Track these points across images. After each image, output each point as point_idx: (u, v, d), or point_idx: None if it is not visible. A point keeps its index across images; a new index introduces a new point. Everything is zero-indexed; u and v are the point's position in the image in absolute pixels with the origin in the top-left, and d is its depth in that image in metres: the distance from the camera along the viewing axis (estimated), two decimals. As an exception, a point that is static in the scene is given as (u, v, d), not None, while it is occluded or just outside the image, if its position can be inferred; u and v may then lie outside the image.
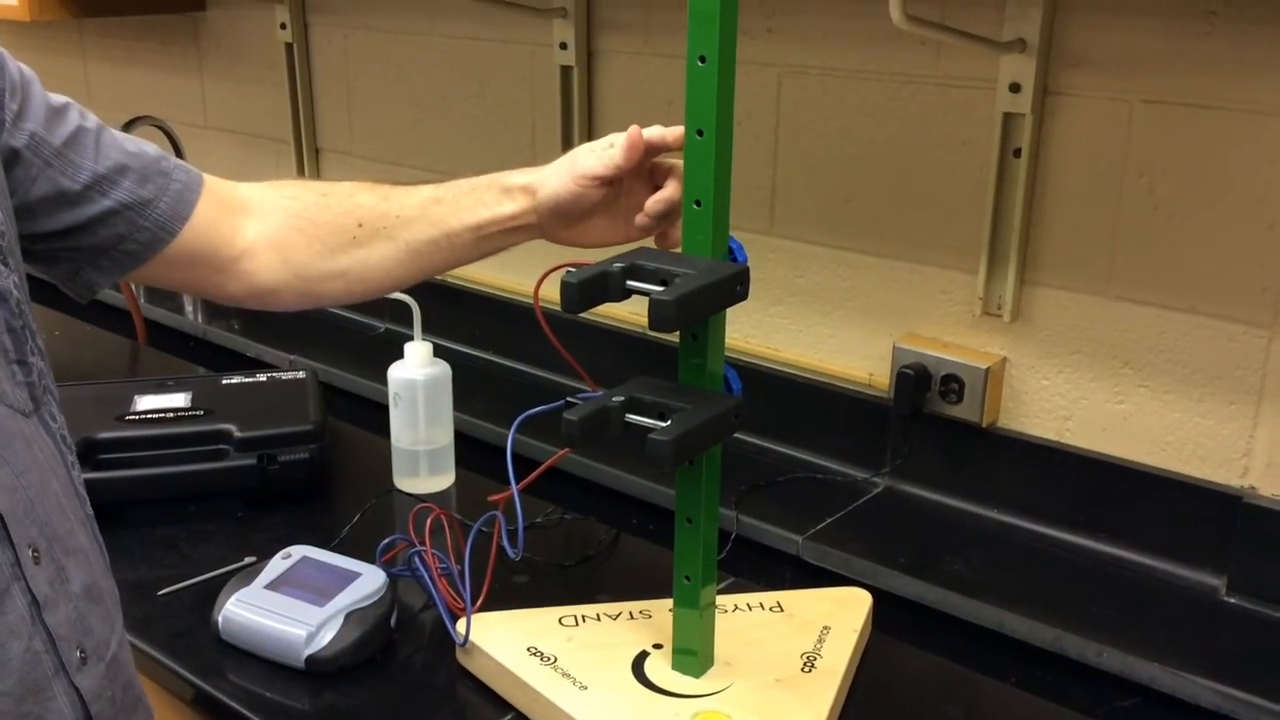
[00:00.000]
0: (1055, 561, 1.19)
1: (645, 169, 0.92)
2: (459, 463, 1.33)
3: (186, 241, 0.91)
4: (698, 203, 0.82)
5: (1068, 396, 1.22)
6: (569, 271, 0.80)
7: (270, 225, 0.96)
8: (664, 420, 0.81)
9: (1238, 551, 1.12)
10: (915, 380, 1.27)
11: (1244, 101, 1.05)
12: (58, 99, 0.86)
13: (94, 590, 0.79)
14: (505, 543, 0.97)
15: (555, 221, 0.95)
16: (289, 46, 1.84)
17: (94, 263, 0.88)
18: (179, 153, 1.99)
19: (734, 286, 0.81)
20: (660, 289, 0.78)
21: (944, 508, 1.29)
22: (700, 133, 0.80)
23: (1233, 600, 1.12)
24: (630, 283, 0.81)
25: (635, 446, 0.79)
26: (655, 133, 0.90)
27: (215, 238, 0.93)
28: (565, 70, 1.50)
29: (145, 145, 0.91)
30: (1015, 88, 1.15)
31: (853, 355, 1.36)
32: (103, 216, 0.86)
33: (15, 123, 0.81)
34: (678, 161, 0.88)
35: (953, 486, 1.29)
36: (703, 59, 0.78)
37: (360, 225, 0.96)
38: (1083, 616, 1.10)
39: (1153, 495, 1.17)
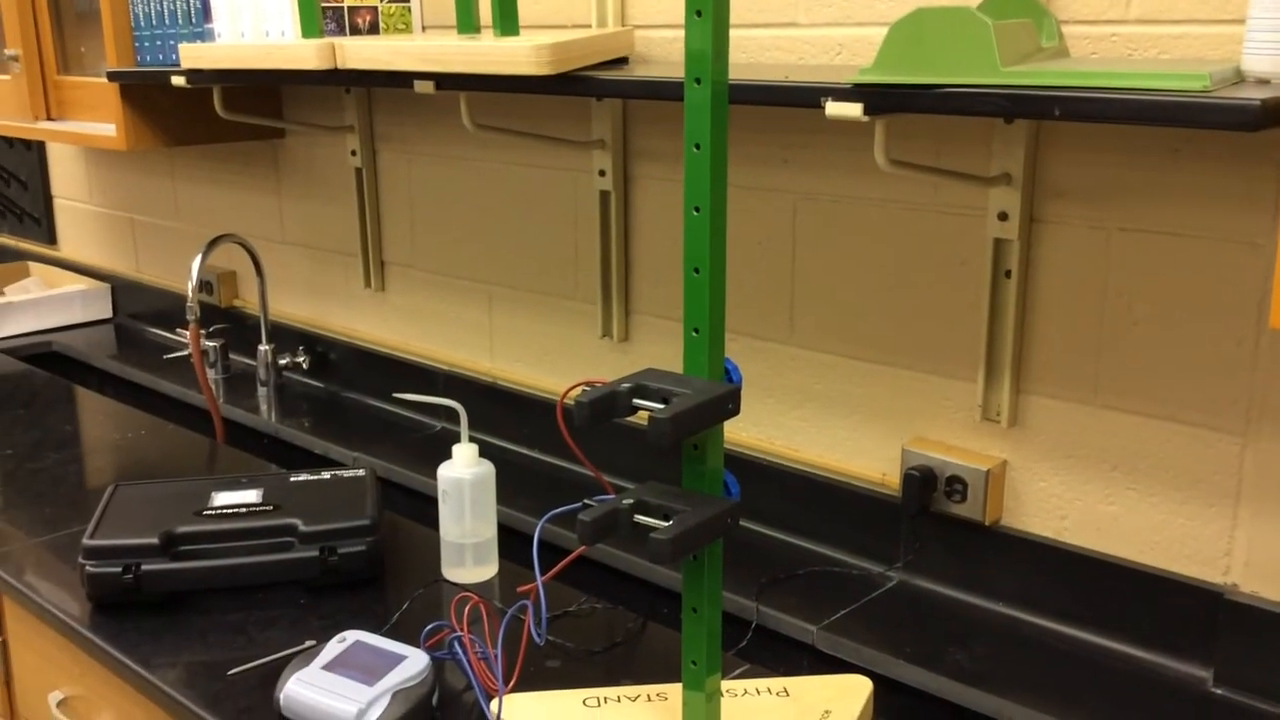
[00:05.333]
0: (1053, 653, 1.27)
1: None
2: (503, 554, 1.45)
3: None
4: (696, 330, 0.94)
5: (1063, 497, 1.31)
6: (583, 391, 0.92)
7: None
8: (667, 521, 0.92)
9: (1223, 645, 1.19)
10: (922, 481, 1.36)
11: (1207, 229, 1.15)
12: None
13: None
14: (533, 629, 1.08)
15: None
16: (359, 171, 2.01)
17: None
18: (257, 265, 2.17)
19: (726, 404, 0.92)
20: (661, 406, 0.90)
21: (951, 601, 1.38)
22: (697, 270, 0.93)
23: (1219, 691, 1.19)
24: (636, 400, 0.93)
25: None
26: None
27: None
28: (604, 194, 1.65)
29: None
30: (1004, 216, 1.26)
31: (867, 456, 1.47)
32: None
33: None
34: None
35: (959, 581, 1.38)
36: (697, 209, 0.91)
37: None
38: (1077, 705, 1.18)
39: (1143, 591, 1.25)
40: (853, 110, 1.03)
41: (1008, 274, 1.29)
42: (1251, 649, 1.17)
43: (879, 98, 1.03)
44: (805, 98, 1.08)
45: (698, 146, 0.90)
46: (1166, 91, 0.88)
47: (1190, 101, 0.86)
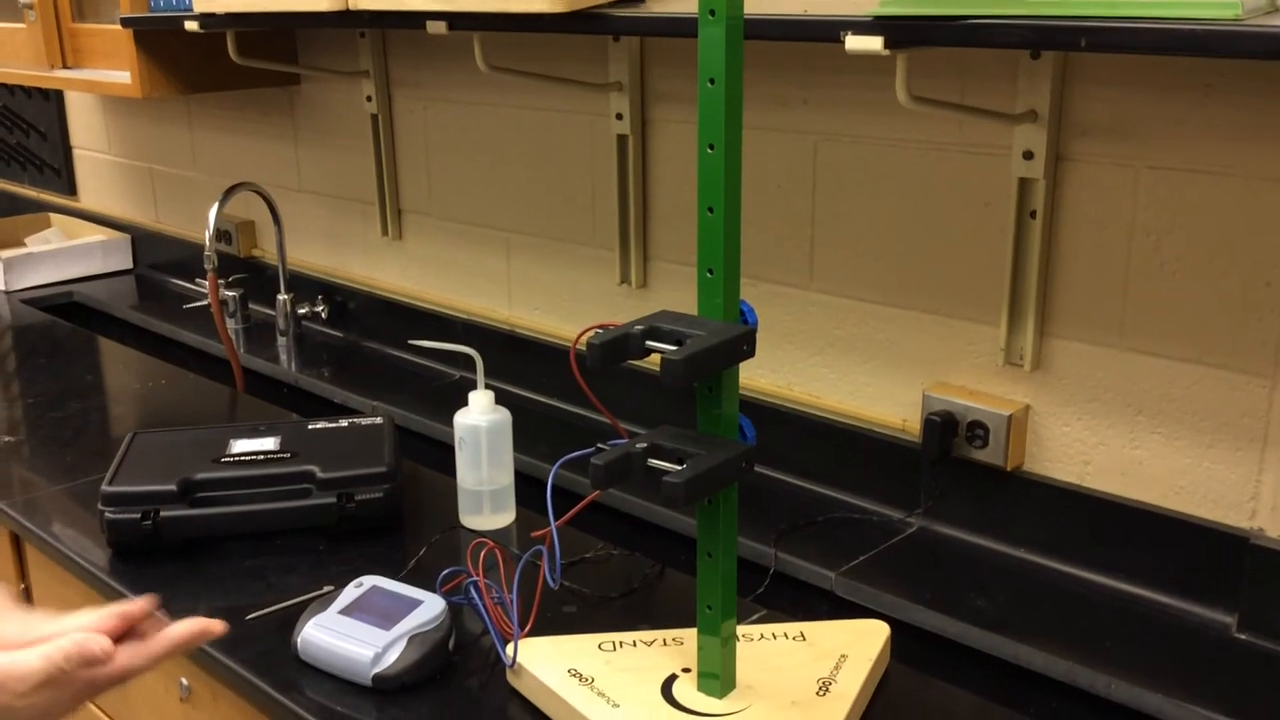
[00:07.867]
0: (1074, 598, 1.26)
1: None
2: (521, 501, 1.45)
3: None
4: (710, 271, 0.92)
5: (1086, 442, 1.29)
6: (595, 333, 0.91)
7: None
8: (681, 464, 0.91)
9: (1248, 591, 1.17)
10: (943, 426, 1.35)
11: (1239, 167, 1.12)
12: None
13: None
14: (548, 573, 1.08)
15: None
16: (374, 117, 1.99)
17: None
18: (275, 215, 2.16)
19: (741, 346, 0.91)
20: (674, 348, 0.88)
21: (972, 547, 1.36)
22: (711, 209, 0.91)
23: (1243, 637, 1.17)
24: (649, 343, 0.91)
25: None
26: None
27: None
28: (621, 138, 1.62)
29: None
30: (1029, 155, 1.23)
31: (887, 402, 1.45)
32: None
33: None
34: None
35: (980, 527, 1.37)
36: (711, 147, 0.89)
37: None
38: (1097, 650, 1.17)
39: (1167, 536, 1.23)
40: (873, 44, 1.00)
41: (1033, 214, 1.26)
42: (1276, 594, 1.15)
43: (900, 30, 1.00)
44: (824, 31, 1.05)
45: (712, 81, 0.88)
46: (1198, 20, 0.85)
47: (1223, 30, 0.83)
